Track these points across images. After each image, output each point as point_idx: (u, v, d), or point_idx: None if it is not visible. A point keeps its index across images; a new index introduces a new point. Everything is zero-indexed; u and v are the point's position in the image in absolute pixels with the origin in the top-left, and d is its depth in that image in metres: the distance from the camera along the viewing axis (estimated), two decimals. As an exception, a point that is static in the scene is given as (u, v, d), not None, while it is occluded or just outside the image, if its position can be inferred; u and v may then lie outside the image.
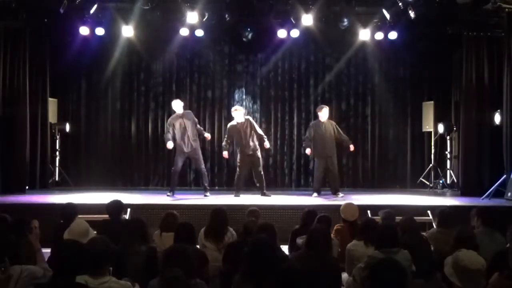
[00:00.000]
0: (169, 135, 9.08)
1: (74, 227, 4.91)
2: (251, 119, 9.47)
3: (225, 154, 9.58)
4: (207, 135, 9.53)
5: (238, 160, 9.42)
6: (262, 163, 9.50)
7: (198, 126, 9.43)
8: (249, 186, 9.82)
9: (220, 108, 11.25)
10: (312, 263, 3.99)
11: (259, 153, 9.29)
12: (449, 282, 3.88)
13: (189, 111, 9.51)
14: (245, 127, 9.18)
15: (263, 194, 9.19)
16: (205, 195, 9.13)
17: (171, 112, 11.02)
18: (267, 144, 9.31)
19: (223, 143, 9.56)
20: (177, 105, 9.17)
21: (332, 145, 9.50)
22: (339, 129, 9.66)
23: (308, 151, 9.47)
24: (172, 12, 9.74)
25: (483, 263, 3.98)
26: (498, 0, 8.63)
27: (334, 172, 9.53)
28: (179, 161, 9.19)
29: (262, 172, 9.34)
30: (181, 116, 9.13)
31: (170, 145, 9.06)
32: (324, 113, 9.49)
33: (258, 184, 9.43)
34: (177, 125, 9.08)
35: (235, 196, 9.11)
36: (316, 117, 9.95)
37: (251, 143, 9.15)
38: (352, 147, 9.66)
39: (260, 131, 9.36)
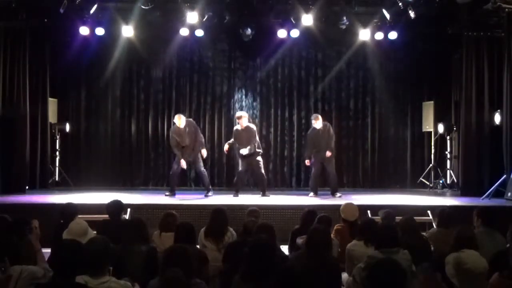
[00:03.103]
0: (176, 150, 9.14)
1: (73, 227, 4.91)
2: (253, 127, 9.38)
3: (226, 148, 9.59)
4: (203, 153, 9.34)
5: (239, 161, 9.44)
6: (263, 165, 9.46)
7: (201, 137, 9.34)
8: (249, 186, 9.82)
9: (220, 108, 11.25)
10: (312, 263, 3.99)
11: (258, 157, 9.26)
12: (449, 282, 3.88)
13: (191, 120, 9.47)
14: (246, 134, 9.18)
15: (264, 195, 9.17)
16: (206, 195, 9.14)
17: (170, 112, 11.09)
18: (243, 151, 9.10)
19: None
20: (179, 120, 9.14)
21: (328, 148, 9.47)
22: (330, 132, 9.51)
23: (307, 162, 9.58)
24: (172, 12, 9.73)
25: (486, 266, 3.99)
26: (498, 0, 8.63)
27: (332, 173, 9.54)
28: (177, 163, 9.19)
29: (263, 174, 9.32)
30: (181, 129, 9.13)
31: (184, 164, 9.12)
32: (318, 124, 9.44)
33: (258, 186, 9.40)
34: (177, 136, 9.09)
35: (234, 196, 9.10)
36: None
37: (249, 146, 9.13)
38: (328, 153, 9.36)
39: (256, 139, 9.25)
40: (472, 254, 4.09)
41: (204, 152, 9.32)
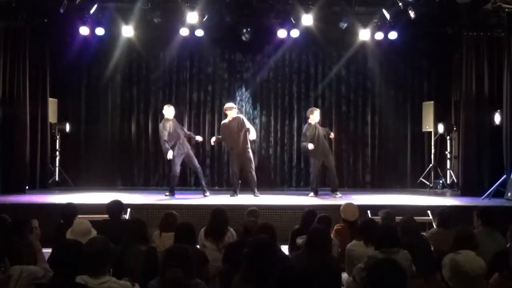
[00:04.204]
0: (167, 144, 8.95)
1: (77, 227, 4.92)
2: (242, 116, 9.43)
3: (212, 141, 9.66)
4: (199, 138, 9.76)
5: (230, 159, 9.39)
6: (256, 164, 9.42)
7: (186, 130, 9.70)
8: (248, 186, 9.81)
9: (220, 108, 11.21)
10: (312, 263, 3.99)
11: (250, 154, 9.25)
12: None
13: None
14: (235, 125, 9.15)
15: (255, 195, 9.10)
16: (205, 195, 9.14)
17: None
18: (252, 136, 9.21)
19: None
20: (171, 111, 9.17)
21: (326, 145, 9.56)
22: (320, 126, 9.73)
23: (310, 146, 9.20)
24: (172, 12, 9.74)
25: (484, 266, 3.98)
26: (498, 0, 8.64)
27: (333, 171, 9.55)
28: (177, 164, 9.16)
29: (253, 173, 9.24)
30: (171, 120, 9.15)
31: (170, 155, 8.92)
32: (316, 116, 9.46)
33: (249, 186, 9.29)
34: (171, 129, 9.04)
35: (231, 196, 9.07)
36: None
37: (240, 142, 9.13)
38: (332, 135, 9.74)
39: (248, 125, 9.28)
40: (468, 256, 4.07)
41: (199, 138, 9.75)
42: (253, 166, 9.30)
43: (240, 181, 9.41)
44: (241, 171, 9.41)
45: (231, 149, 9.36)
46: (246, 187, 9.41)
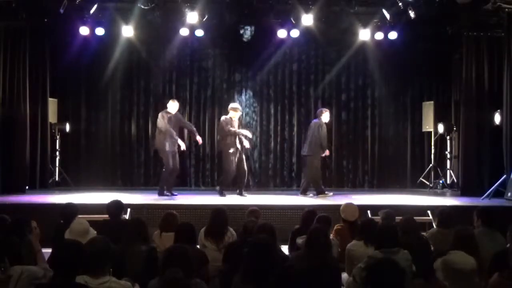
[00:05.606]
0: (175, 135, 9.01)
1: (75, 227, 4.92)
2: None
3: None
4: (199, 139, 9.63)
5: (224, 158, 9.26)
6: (253, 164, 9.43)
7: (192, 127, 9.71)
8: (248, 186, 9.79)
9: (220, 108, 11.22)
10: (312, 263, 3.99)
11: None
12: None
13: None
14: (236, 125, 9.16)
15: (241, 194, 9.07)
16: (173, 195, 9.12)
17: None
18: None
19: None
20: (176, 106, 9.15)
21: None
22: None
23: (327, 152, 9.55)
24: (172, 12, 9.74)
25: (474, 264, 4.04)
26: (498, 0, 8.64)
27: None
28: (174, 161, 9.10)
29: (246, 172, 9.28)
30: (172, 115, 9.09)
31: (183, 145, 9.14)
32: (326, 116, 9.47)
33: (238, 184, 9.24)
34: (168, 122, 9.01)
35: (221, 196, 8.99)
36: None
37: (237, 140, 9.11)
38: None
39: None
40: (458, 254, 4.14)
41: (199, 139, 9.67)
42: (245, 163, 9.30)
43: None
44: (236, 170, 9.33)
45: (232, 146, 9.16)
46: (246, 186, 9.40)
